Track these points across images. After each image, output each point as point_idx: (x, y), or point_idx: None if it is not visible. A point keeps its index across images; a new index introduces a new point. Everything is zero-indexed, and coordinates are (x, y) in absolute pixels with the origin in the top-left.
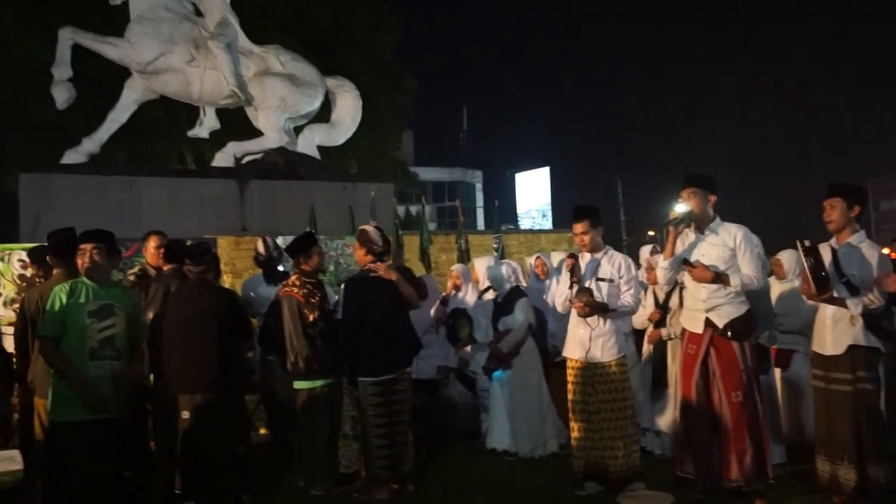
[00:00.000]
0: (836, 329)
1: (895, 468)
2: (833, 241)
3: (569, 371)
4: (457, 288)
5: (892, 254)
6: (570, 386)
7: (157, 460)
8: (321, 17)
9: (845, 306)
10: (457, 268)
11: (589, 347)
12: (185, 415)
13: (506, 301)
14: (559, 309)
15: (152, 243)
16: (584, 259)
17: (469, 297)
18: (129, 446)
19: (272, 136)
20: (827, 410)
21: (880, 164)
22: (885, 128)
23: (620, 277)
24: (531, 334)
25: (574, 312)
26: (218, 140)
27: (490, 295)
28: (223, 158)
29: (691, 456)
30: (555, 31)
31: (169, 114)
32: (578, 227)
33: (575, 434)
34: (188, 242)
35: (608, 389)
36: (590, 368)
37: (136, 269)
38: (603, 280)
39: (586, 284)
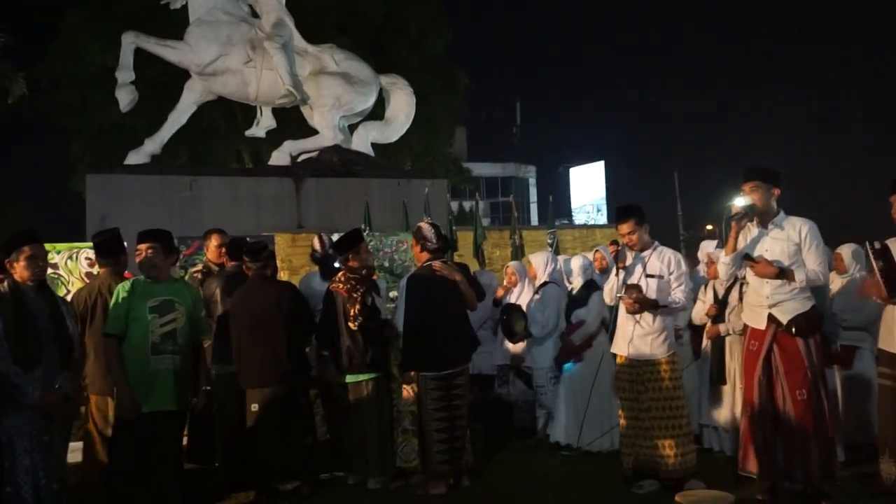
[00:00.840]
0: None
1: None
2: None
3: (618, 368)
4: (512, 285)
5: None
6: (617, 383)
7: (219, 453)
8: (374, 16)
9: None
10: (513, 264)
11: (638, 344)
12: (255, 407)
13: (580, 294)
14: (608, 301)
15: (213, 241)
16: (633, 255)
17: (525, 294)
18: (191, 440)
19: (327, 134)
20: (893, 410)
21: None
22: None
23: (670, 273)
24: (604, 328)
25: (623, 308)
26: (274, 139)
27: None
28: (280, 157)
29: (754, 455)
30: (609, 26)
31: (227, 114)
32: (624, 228)
33: (625, 431)
34: (247, 239)
35: (658, 388)
36: (638, 366)
37: (199, 267)
38: (652, 276)
39: (635, 280)
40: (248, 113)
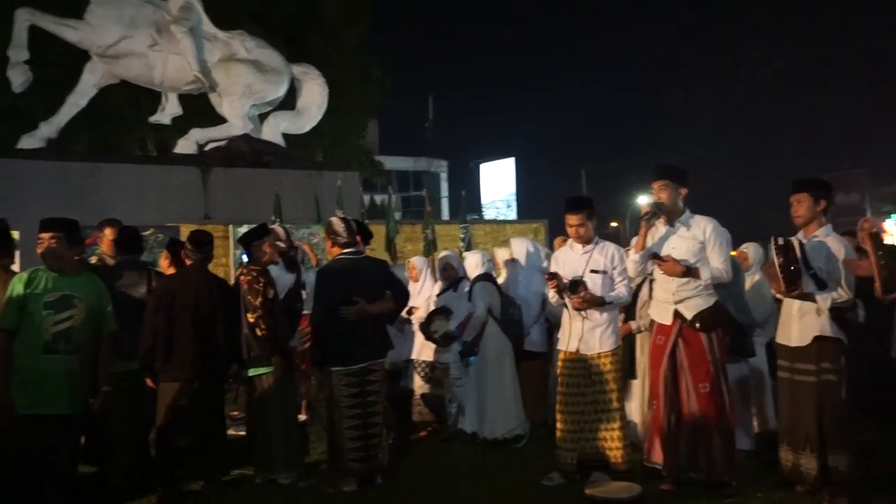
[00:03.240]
0: (802, 321)
1: (856, 457)
2: (801, 235)
3: (561, 363)
4: (414, 280)
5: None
6: (561, 378)
7: (117, 453)
8: (287, 3)
9: (814, 300)
10: (414, 260)
11: (587, 339)
12: (177, 401)
13: (472, 287)
14: (552, 302)
15: (108, 233)
16: (575, 251)
17: (426, 290)
18: (88, 440)
19: (237, 123)
20: (791, 401)
21: (838, 159)
22: (842, 125)
23: (614, 268)
24: (495, 320)
25: (569, 304)
26: (181, 127)
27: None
28: (186, 145)
29: (660, 446)
30: (521, 23)
31: (130, 99)
32: (574, 219)
33: (567, 426)
34: (194, 230)
35: (605, 381)
36: (585, 360)
37: (94, 260)
38: (596, 272)
39: (580, 276)
40: (152, 98)
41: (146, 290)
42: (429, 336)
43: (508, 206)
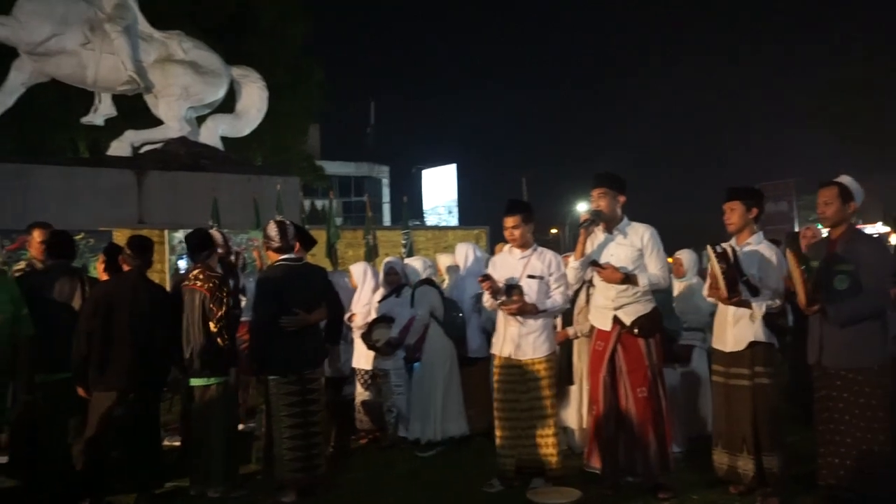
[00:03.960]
0: (736, 326)
1: (790, 459)
2: (732, 242)
3: (496, 369)
4: (354, 287)
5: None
6: (496, 384)
7: (43, 466)
8: (226, 4)
9: (750, 307)
10: (352, 267)
11: (521, 344)
12: (108, 412)
13: (414, 291)
14: (487, 307)
15: (37, 236)
16: (513, 255)
17: (364, 296)
18: (12, 453)
19: (173, 125)
20: (726, 404)
21: (769, 168)
22: (773, 135)
23: (550, 275)
24: (438, 323)
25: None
26: (114, 128)
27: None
28: (120, 147)
29: (598, 451)
30: (464, 29)
31: (61, 99)
32: (510, 221)
33: (504, 433)
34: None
35: (540, 387)
36: (520, 366)
37: (22, 266)
38: (533, 277)
39: (516, 281)
40: (85, 99)
41: (79, 296)
42: (370, 345)
43: (450, 213)
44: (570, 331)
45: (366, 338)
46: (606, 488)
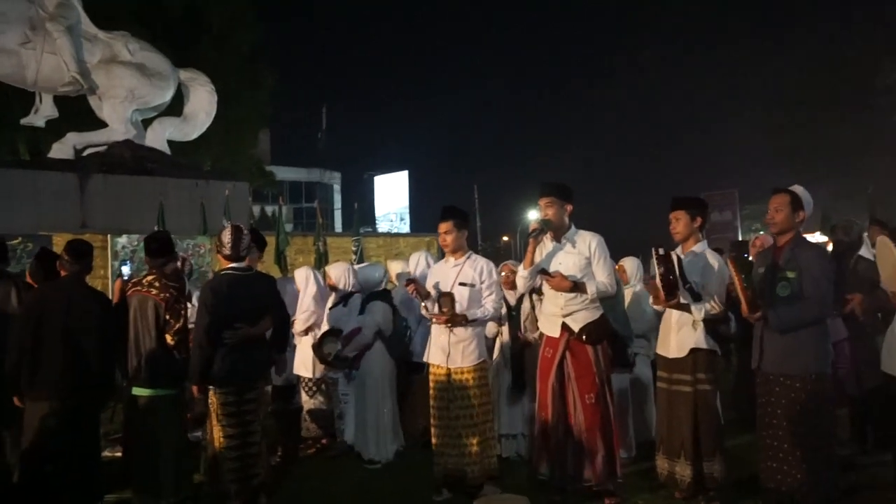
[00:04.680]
0: (679, 333)
1: (734, 464)
2: (679, 250)
3: (431, 377)
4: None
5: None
6: (431, 392)
7: None
8: (174, 6)
9: (690, 312)
10: (296, 273)
11: (450, 353)
12: (51, 422)
13: (365, 302)
14: (425, 314)
15: None
16: (448, 263)
17: (305, 302)
18: None
19: (118, 127)
20: (669, 410)
21: (713, 178)
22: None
23: (482, 282)
24: (382, 340)
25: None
26: (56, 130)
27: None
28: (62, 149)
29: (547, 458)
30: (417, 36)
31: (1, 99)
32: (443, 227)
33: (436, 440)
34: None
35: (468, 395)
36: (450, 374)
37: None
38: (465, 285)
39: (448, 289)
40: (25, 99)
41: (14, 302)
42: (323, 359)
43: (402, 219)
44: (530, 336)
45: (317, 351)
46: (554, 494)
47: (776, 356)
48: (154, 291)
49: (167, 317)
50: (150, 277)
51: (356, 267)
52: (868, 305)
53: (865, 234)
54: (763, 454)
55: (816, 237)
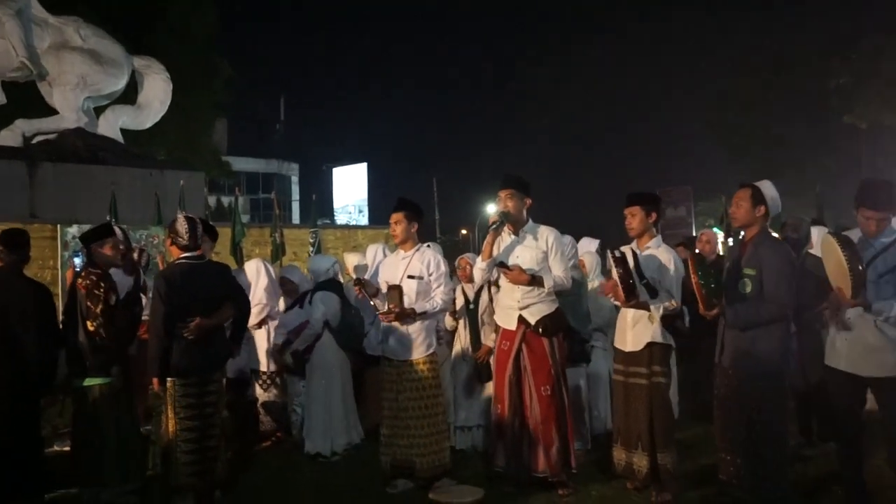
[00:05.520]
0: (636, 327)
1: (687, 455)
2: (634, 245)
3: (381, 369)
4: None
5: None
6: (382, 384)
7: None
8: None
9: (648, 308)
10: (247, 266)
11: (398, 345)
12: None
13: (313, 293)
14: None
15: None
16: (398, 256)
17: (257, 294)
18: None
19: (69, 115)
20: (625, 402)
21: (669, 175)
22: (674, 143)
23: (430, 275)
24: (331, 332)
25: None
26: (4, 117)
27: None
28: (10, 137)
29: (503, 450)
30: (377, 28)
31: None
32: (394, 217)
33: (384, 430)
34: None
35: (416, 388)
36: (399, 366)
37: None
38: (413, 277)
39: (397, 281)
40: None
41: None
42: (284, 365)
43: (360, 212)
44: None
45: (277, 359)
46: (510, 486)
47: (735, 353)
48: (79, 280)
49: (88, 303)
50: (85, 269)
51: (348, 256)
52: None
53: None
54: (720, 446)
55: None
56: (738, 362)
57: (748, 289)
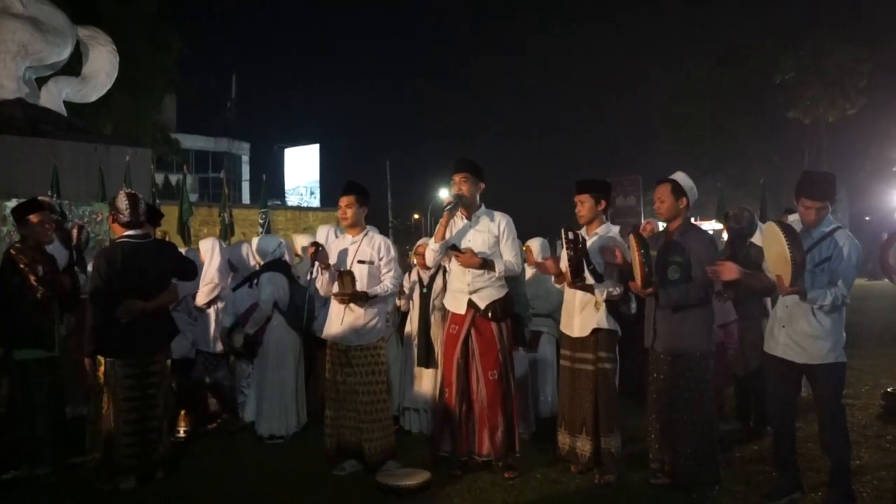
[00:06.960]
0: (582, 313)
1: (627, 440)
2: (583, 232)
3: (327, 351)
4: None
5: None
6: (327, 366)
7: None
8: None
9: (593, 292)
10: (201, 244)
11: (347, 329)
12: None
13: (259, 273)
14: (322, 293)
15: None
16: (346, 240)
17: (209, 274)
18: None
19: (9, 85)
20: (571, 387)
21: (619, 164)
22: (626, 133)
23: (380, 259)
24: (281, 313)
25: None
26: None
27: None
28: None
29: (450, 434)
30: (332, 9)
31: None
32: (344, 200)
33: (328, 412)
34: None
35: (365, 372)
36: (347, 350)
37: None
38: (363, 262)
39: (347, 266)
40: None
41: None
42: (232, 350)
43: (312, 194)
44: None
45: (226, 342)
46: (455, 469)
47: (666, 336)
48: (11, 252)
49: (23, 279)
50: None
51: (254, 239)
52: (750, 287)
53: (759, 221)
54: (652, 429)
55: (713, 224)
56: (669, 341)
57: (676, 275)
